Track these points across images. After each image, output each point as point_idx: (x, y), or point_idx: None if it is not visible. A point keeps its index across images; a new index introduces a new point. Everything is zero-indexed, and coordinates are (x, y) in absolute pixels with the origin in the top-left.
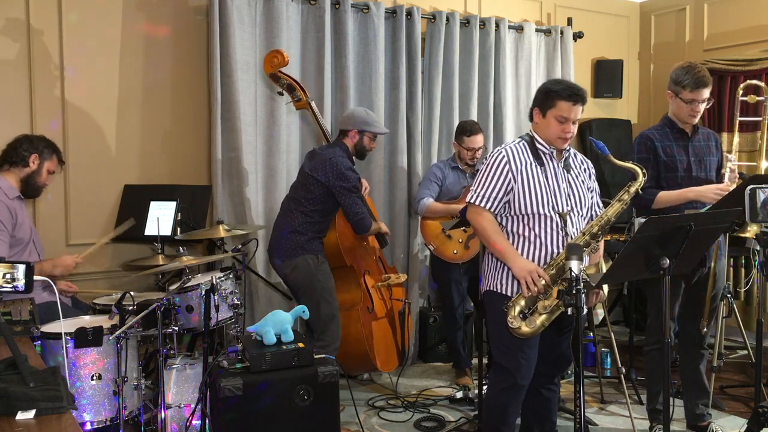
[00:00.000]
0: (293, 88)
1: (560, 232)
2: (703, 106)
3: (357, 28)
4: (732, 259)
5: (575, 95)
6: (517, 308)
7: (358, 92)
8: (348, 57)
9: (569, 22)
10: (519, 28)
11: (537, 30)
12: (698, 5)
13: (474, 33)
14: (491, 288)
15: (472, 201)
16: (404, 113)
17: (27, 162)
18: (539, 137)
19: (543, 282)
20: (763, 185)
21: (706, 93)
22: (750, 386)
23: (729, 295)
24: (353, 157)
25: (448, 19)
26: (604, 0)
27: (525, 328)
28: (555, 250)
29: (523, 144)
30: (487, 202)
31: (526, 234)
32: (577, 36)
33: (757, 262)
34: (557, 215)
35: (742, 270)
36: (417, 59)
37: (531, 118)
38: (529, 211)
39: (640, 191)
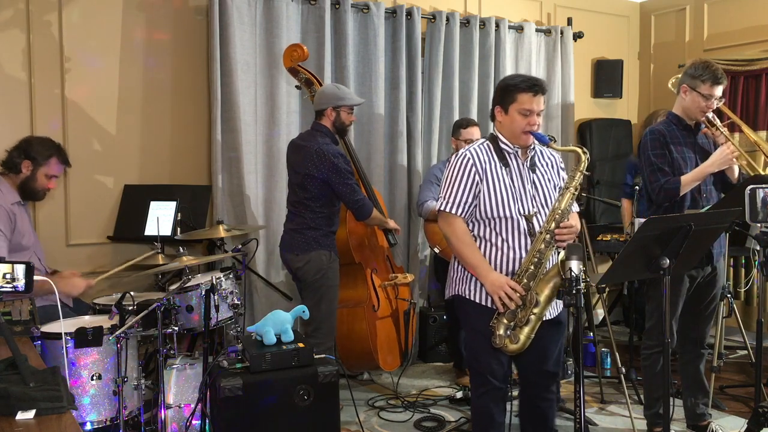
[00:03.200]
0: (311, 82)
1: (527, 235)
2: (716, 104)
3: (357, 28)
4: (732, 259)
5: (535, 86)
6: (502, 328)
7: (358, 92)
8: (348, 57)
9: (569, 22)
10: (519, 28)
11: (537, 30)
12: (698, 5)
13: (474, 33)
14: (460, 293)
15: (441, 208)
16: (404, 113)
17: (19, 168)
18: (503, 136)
19: (518, 294)
20: (763, 185)
21: (721, 90)
22: (750, 386)
23: (729, 295)
24: (336, 136)
25: (448, 19)
26: (604, 0)
27: (511, 346)
28: (522, 254)
29: (487, 144)
30: (457, 207)
31: (493, 239)
32: (577, 36)
33: (757, 262)
34: (523, 218)
35: (742, 270)
36: (417, 59)
37: (493, 119)
38: (495, 215)
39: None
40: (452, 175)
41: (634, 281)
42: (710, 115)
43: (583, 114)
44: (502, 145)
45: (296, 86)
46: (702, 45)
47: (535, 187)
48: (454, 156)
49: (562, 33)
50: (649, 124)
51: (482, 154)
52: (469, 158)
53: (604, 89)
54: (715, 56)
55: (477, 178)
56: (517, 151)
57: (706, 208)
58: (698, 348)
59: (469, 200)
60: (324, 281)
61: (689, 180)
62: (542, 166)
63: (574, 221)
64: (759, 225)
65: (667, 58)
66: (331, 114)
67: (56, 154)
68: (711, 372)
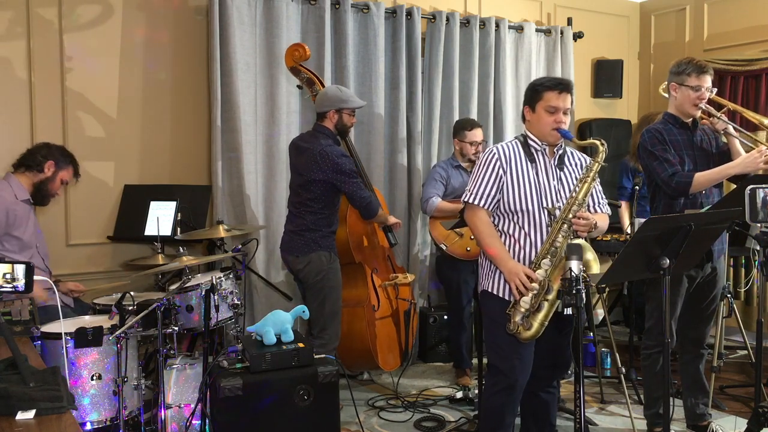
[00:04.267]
0: (312, 82)
1: (549, 229)
2: (708, 95)
3: (357, 28)
4: (732, 259)
5: (560, 84)
6: (519, 315)
7: (358, 92)
8: (348, 57)
9: (569, 22)
10: (519, 28)
11: (537, 30)
12: (698, 5)
13: (474, 33)
14: (486, 288)
15: (467, 200)
16: (404, 113)
17: (42, 168)
18: (532, 134)
19: (533, 283)
20: (763, 185)
21: (709, 80)
22: (750, 386)
23: (729, 295)
24: (337, 137)
25: (448, 19)
26: (604, 0)
27: (525, 333)
28: None
29: (516, 142)
30: (480, 199)
31: (516, 234)
32: (577, 36)
33: (757, 262)
34: (546, 212)
35: (742, 270)
36: (417, 59)
37: (524, 119)
38: (518, 208)
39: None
40: (478, 170)
41: (635, 282)
42: (704, 105)
43: (583, 114)
44: (530, 142)
45: (298, 86)
46: (702, 45)
47: (561, 184)
48: (481, 153)
49: (562, 33)
50: (641, 126)
51: (509, 149)
52: (494, 153)
53: (604, 89)
54: (715, 56)
55: (500, 171)
56: (544, 149)
57: (706, 208)
58: (698, 348)
59: (493, 193)
60: (325, 282)
61: (706, 179)
62: (570, 165)
63: (599, 219)
64: (759, 225)
65: (667, 58)
66: (334, 116)
67: (72, 163)
68: (711, 372)
